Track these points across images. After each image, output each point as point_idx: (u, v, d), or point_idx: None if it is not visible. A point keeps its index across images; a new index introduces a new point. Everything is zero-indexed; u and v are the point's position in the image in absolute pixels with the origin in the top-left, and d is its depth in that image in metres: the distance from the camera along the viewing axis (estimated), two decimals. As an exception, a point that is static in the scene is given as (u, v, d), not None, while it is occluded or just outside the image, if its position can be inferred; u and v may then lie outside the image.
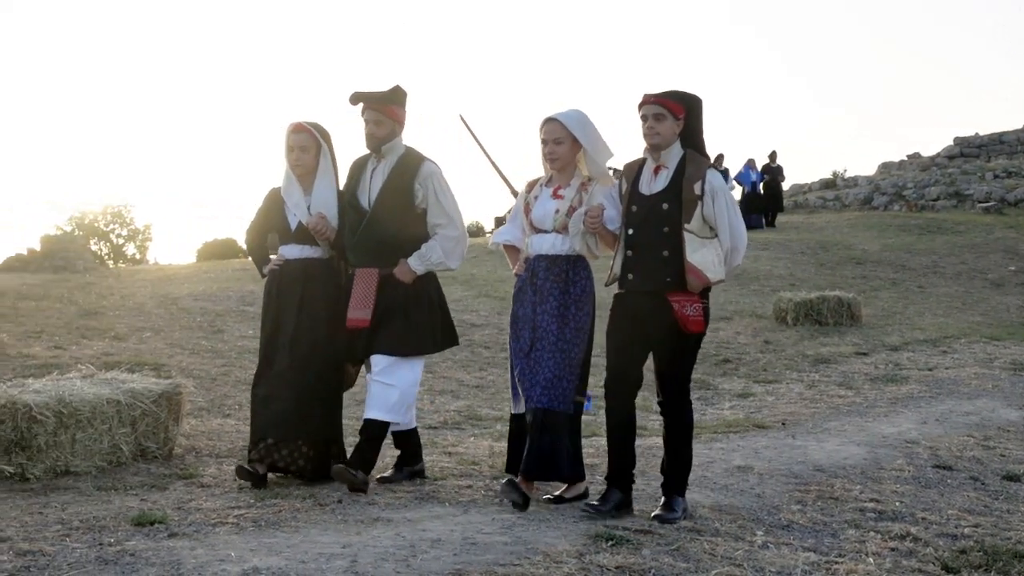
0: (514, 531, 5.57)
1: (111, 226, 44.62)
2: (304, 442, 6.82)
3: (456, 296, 16.54)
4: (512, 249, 6.81)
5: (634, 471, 6.26)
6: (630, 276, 6.14)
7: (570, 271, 6.40)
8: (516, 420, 6.57)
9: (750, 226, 30.81)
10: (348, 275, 7.00)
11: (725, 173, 31.34)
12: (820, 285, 19.95)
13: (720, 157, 31.71)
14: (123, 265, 35.88)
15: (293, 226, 7.04)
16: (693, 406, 6.28)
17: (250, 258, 7.48)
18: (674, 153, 6.14)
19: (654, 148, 6.14)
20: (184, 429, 8.11)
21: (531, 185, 6.70)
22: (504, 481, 6.24)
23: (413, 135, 7.04)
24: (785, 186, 34.96)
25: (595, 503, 6.10)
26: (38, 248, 21.78)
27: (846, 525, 6.20)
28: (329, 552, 5.04)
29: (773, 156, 32.31)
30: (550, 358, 6.24)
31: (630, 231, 6.16)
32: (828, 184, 40.18)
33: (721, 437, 8.87)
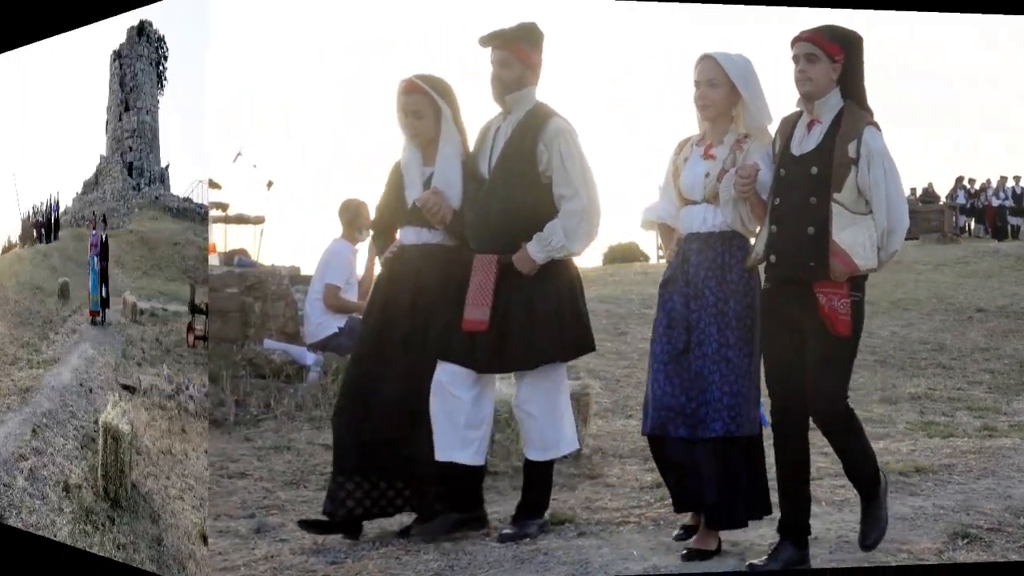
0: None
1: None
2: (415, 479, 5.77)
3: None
4: (667, 228, 5.67)
5: (810, 520, 5.32)
6: (773, 258, 5.10)
7: (725, 253, 5.28)
8: (657, 446, 5.48)
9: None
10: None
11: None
12: None
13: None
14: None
15: (409, 203, 5.81)
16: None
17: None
18: (830, 105, 5.07)
19: (806, 97, 5.09)
20: (591, 430, 8.07)
21: (681, 145, 5.55)
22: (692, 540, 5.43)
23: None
24: None
25: (760, 561, 5.19)
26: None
27: None
28: (723, 551, 5.35)
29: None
30: (715, 369, 5.21)
31: (776, 200, 5.12)
32: None
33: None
